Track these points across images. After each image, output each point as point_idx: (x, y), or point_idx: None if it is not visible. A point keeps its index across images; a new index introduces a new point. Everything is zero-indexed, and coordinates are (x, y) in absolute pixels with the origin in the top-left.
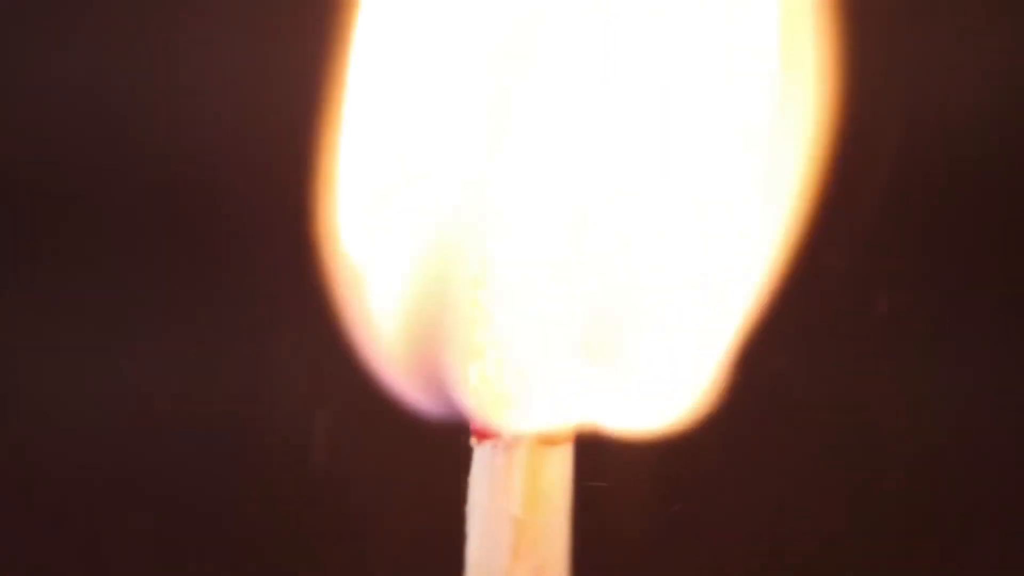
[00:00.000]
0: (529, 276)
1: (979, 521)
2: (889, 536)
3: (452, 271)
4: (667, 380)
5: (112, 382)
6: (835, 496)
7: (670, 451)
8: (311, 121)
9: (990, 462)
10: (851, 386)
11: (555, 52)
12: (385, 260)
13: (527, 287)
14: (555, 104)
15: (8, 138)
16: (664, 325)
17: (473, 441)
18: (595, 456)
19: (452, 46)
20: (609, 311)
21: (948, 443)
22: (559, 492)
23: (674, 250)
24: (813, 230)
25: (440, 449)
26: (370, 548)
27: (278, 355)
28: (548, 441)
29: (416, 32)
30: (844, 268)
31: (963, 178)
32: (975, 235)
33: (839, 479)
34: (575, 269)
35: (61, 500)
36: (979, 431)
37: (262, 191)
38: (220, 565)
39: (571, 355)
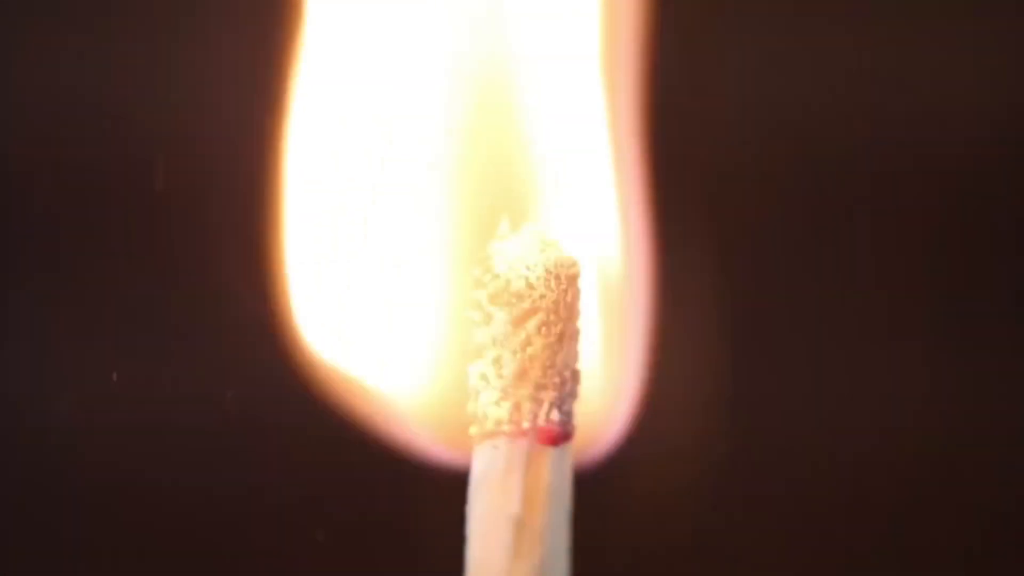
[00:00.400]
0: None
1: (975, 523)
2: (880, 537)
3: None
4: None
5: (110, 384)
6: (832, 495)
7: (670, 455)
8: (275, 130)
9: (985, 464)
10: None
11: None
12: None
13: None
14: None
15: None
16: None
17: (473, 441)
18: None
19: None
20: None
21: (942, 444)
22: (559, 492)
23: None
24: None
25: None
26: (370, 547)
27: (276, 358)
28: (548, 441)
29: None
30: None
31: (962, 178)
32: (974, 235)
33: (833, 479)
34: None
35: (58, 500)
36: (971, 433)
37: (242, 203)
38: (220, 565)
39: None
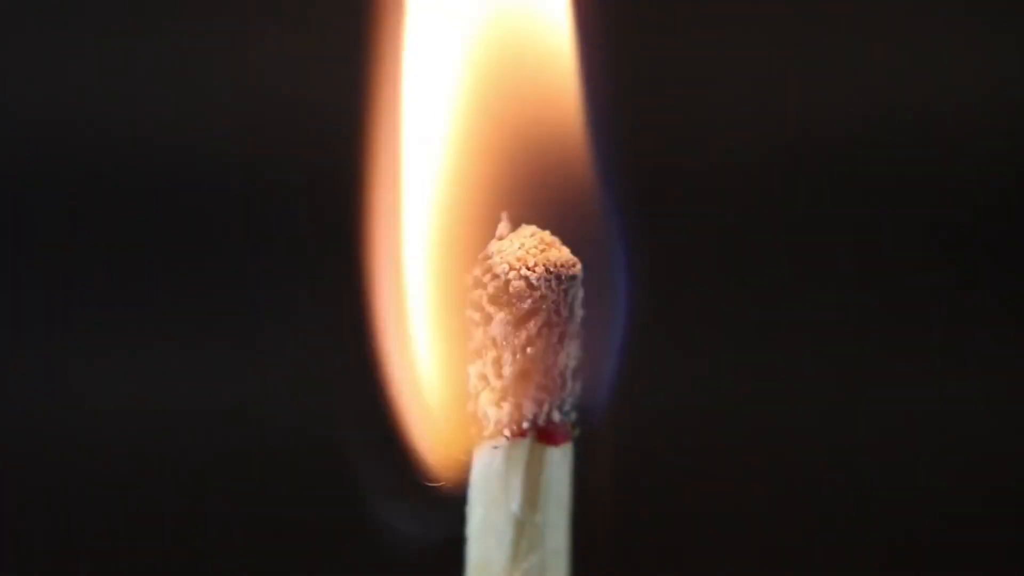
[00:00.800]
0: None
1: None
2: (875, 540)
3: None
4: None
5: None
6: (831, 494)
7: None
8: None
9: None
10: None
11: None
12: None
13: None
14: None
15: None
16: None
17: (474, 441)
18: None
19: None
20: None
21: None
22: (559, 492)
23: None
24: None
25: (440, 449)
26: (370, 547)
27: (288, 355)
28: (548, 441)
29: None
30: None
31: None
32: (972, 237)
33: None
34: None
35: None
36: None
37: (297, 196)
38: (219, 565)
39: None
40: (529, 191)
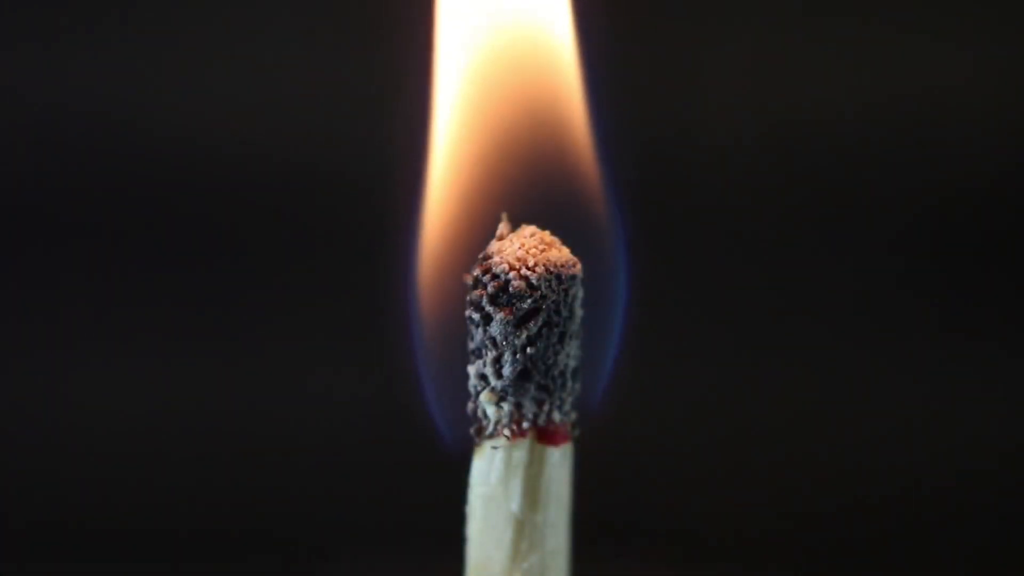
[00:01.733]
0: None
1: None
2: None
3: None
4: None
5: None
6: (832, 492)
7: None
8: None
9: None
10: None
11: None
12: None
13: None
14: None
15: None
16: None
17: (473, 441)
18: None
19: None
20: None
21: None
22: (559, 492)
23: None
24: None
25: (440, 449)
26: (370, 547)
27: (288, 356)
28: (548, 441)
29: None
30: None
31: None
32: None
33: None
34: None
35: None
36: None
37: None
38: (217, 564)
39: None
40: (529, 191)
